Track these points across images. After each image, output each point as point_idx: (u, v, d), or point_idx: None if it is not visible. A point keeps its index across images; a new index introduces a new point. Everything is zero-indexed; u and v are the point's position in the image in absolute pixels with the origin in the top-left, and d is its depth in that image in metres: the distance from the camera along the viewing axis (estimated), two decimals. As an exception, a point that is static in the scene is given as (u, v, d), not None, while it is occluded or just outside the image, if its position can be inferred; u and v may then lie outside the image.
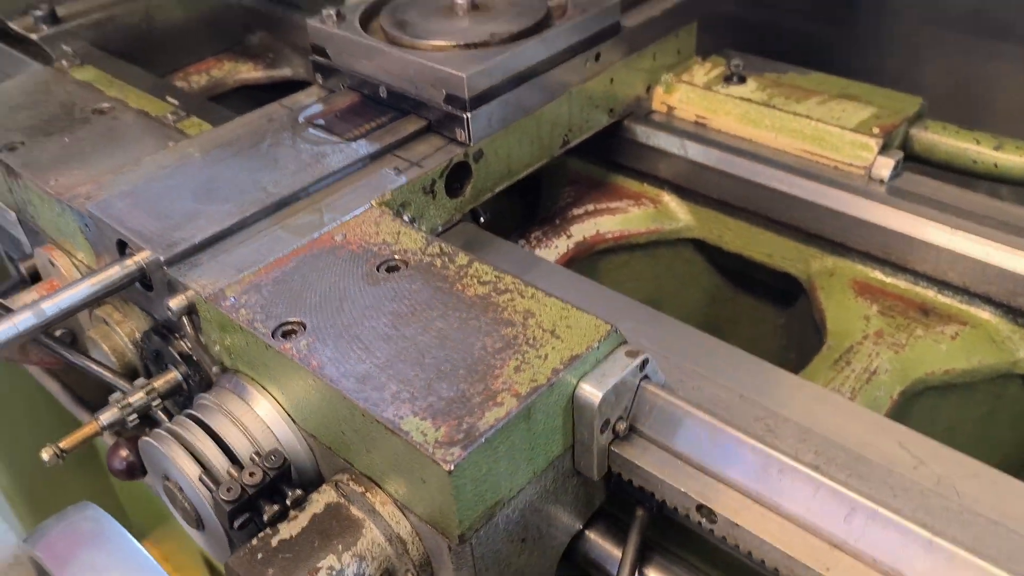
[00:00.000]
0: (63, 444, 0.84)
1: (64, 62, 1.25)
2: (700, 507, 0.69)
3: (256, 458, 0.73)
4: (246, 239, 0.86)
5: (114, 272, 0.85)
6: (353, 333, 0.73)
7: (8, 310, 0.94)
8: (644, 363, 0.73)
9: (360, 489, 0.71)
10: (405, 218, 0.93)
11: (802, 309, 1.17)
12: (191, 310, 0.81)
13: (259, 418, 0.77)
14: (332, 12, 1.08)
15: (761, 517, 0.67)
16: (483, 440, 0.63)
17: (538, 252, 1.15)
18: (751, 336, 1.29)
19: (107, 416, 0.86)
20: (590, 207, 1.22)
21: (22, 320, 0.80)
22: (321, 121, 1.03)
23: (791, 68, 1.24)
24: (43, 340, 0.99)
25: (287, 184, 0.91)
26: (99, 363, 0.96)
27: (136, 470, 0.95)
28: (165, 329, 0.89)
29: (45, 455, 0.84)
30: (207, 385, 0.87)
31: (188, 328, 0.82)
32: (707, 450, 0.71)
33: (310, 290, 0.78)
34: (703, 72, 1.24)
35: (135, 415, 0.87)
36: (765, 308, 1.27)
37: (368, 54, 1.04)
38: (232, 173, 0.93)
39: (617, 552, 0.80)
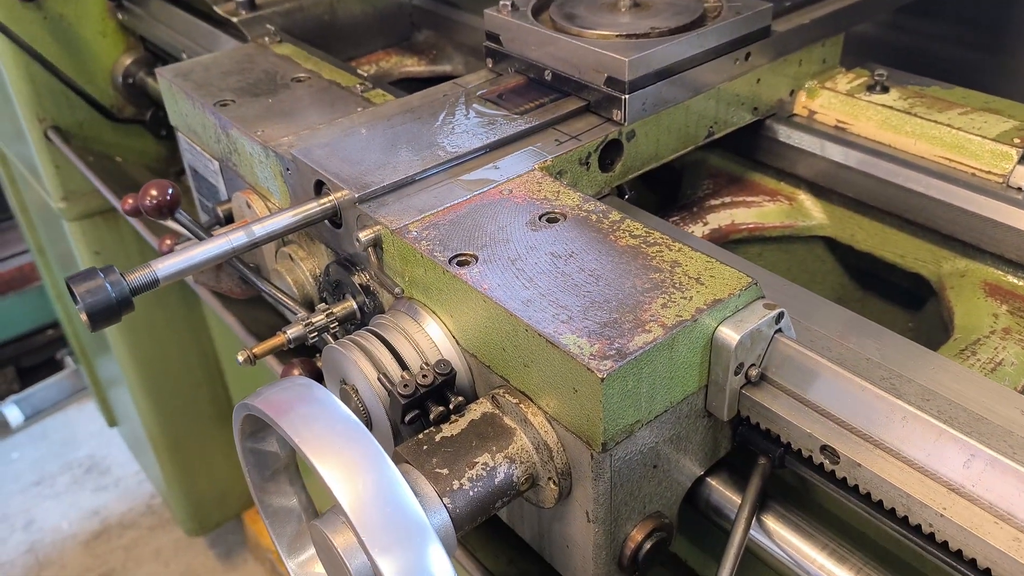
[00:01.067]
0: (255, 350, 0.98)
1: (266, 39, 1.42)
2: (824, 448, 0.75)
3: (426, 366, 0.84)
4: (425, 188, 0.97)
5: (312, 207, 0.98)
6: (518, 267, 0.83)
7: (197, 223, 1.09)
8: (780, 316, 0.80)
9: (514, 401, 0.80)
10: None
11: (931, 312, 1.20)
12: (376, 243, 0.93)
13: (428, 336, 0.88)
14: (508, 3, 1.20)
15: (882, 459, 0.73)
16: (632, 358, 0.71)
17: (675, 235, 1.22)
18: (875, 338, 1.32)
19: (293, 331, 0.99)
20: (727, 199, 1.29)
21: (236, 237, 0.94)
22: (492, 97, 1.14)
23: (935, 83, 1.29)
24: (238, 266, 1.13)
25: (461, 145, 1.03)
26: (282, 291, 1.09)
27: (305, 389, 1.07)
28: (347, 262, 1.01)
29: (240, 357, 0.97)
30: (380, 312, 0.99)
31: (372, 258, 0.94)
32: (834, 398, 0.77)
33: (480, 231, 0.89)
34: (846, 81, 1.30)
35: (316, 333, 1.00)
36: (893, 310, 1.30)
37: (538, 41, 1.15)
38: (414, 134, 1.06)
39: (738, 499, 0.86)
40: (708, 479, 0.89)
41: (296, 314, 1.04)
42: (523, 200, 0.94)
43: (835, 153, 1.22)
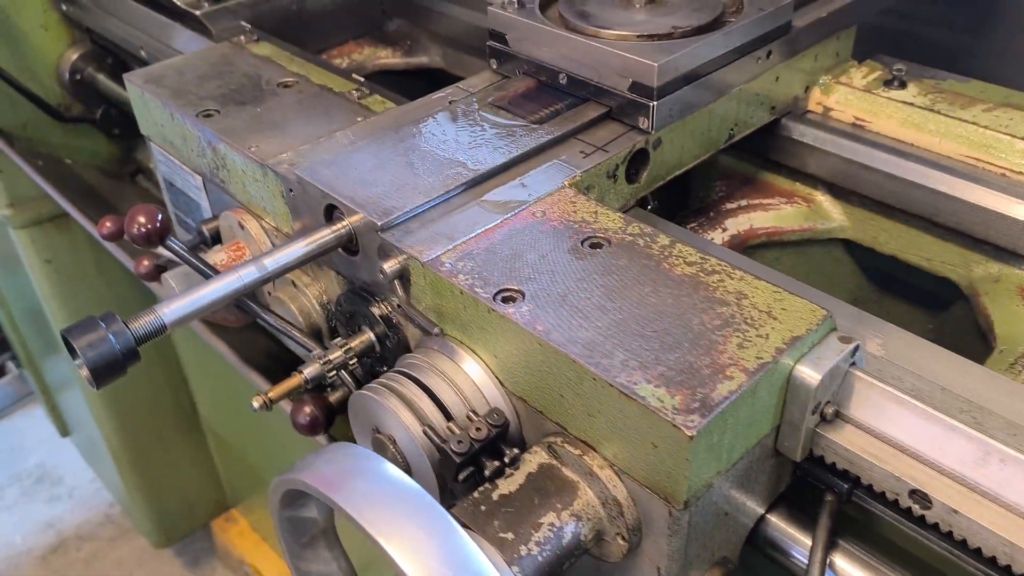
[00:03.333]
0: (271, 394, 0.89)
1: (242, 37, 1.31)
2: (914, 492, 0.71)
3: (474, 415, 0.77)
4: (450, 211, 0.89)
5: (326, 235, 0.89)
6: (570, 303, 0.77)
7: (207, 265, 1.00)
8: (855, 350, 0.75)
9: (576, 452, 0.74)
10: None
11: (957, 315, 1.17)
12: (403, 275, 0.85)
13: (469, 379, 0.80)
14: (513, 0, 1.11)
15: (979, 504, 0.68)
16: (720, 410, 0.66)
17: (695, 243, 1.17)
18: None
19: (310, 371, 0.91)
20: (743, 202, 1.24)
21: (247, 273, 0.85)
22: (503, 104, 1.06)
23: (950, 76, 1.25)
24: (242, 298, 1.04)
25: (483, 161, 0.95)
26: (289, 322, 1.01)
27: (318, 425, 0.99)
28: (364, 292, 0.93)
29: (256, 403, 0.89)
30: (403, 347, 0.91)
31: (399, 292, 0.86)
32: (918, 436, 0.72)
33: (521, 261, 0.82)
34: (860, 76, 1.25)
35: (334, 371, 0.92)
36: (912, 312, 1.27)
37: (551, 41, 1.07)
38: (428, 148, 0.97)
39: (801, 537, 0.82)
40: (769, 516, 0.84)
41: (309, 350, 0.96)
42: (560, 223, 0.87)
43: (856, 152, 1.18)
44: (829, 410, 0.75)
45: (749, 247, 1.22)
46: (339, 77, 1.18)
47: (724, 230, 1.20)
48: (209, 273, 1.00)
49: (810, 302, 0.75)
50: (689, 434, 0.64)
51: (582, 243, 0.84)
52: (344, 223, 0.90)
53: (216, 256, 1.08)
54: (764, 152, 1.26)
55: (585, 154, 0.98)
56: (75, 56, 1.87)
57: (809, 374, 0.71)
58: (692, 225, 1.20)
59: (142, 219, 0.95)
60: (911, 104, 1.18)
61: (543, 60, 1.09)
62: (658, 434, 0.66)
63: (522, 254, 0.83)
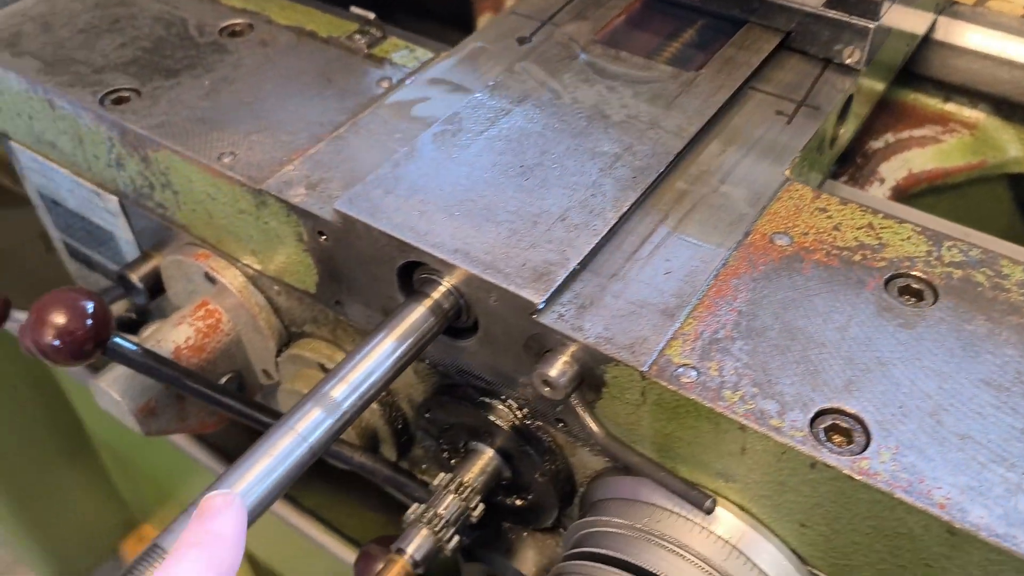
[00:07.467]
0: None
1: (132, -45, 0.83)
2: None
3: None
4: (629, 249, 0.52)
5: (422, 316, 0.50)
6: (951, 428, 0.42)
7: (182, 371, 0.59)
8: None
9: None
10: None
11: None
12: (582, 379, 0.48)
13: (749, 561, 0.46)
14: None
15: None
16: None
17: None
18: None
19: (416, 545, 0.53)
20: (889, 137, 0.91)
21: (307, 426, 0.45)
22: (613, 40, 0.67)
23: None
24: (226, 401, 0.63)
25: (643, 152, 0.57)
26: (349, 444, 0.61)
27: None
28: (481, 392, 0.55)
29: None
30: (565, 479, 0.55)
31: (581, 411, 0.48)
32: None
33: (808, 342, 0.46)
34: (1020, -54, 0.93)
35: (452, 534, 0.55)
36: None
37: (672, -70, 0.68)
38: (537, 136, 0.58)
39: None
40: None
41: (415, 499, 0.58)
42: (827, 255, 0.51)
43: (1040, 57, 0.86)
44: None
45: (908, 197, 0.90)
46: (318, 12, 0.74)
47: (882, 181, 0.88)
48: (188, 384, 0.60)
49: None
50: None
51: (886, 287, 0.49)
52: (442, 289, 0.51)
53: (176, 334, 0.66)
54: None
55: (786, 115, 0.61)
56: None
57: None
58: (843, 178, 0.87)
59: (61, 321, 0.53)
60: (1109, -17, 0.87)
61: (655, -39, 0.70)
62: None
63: (802, 329, 0.47)
